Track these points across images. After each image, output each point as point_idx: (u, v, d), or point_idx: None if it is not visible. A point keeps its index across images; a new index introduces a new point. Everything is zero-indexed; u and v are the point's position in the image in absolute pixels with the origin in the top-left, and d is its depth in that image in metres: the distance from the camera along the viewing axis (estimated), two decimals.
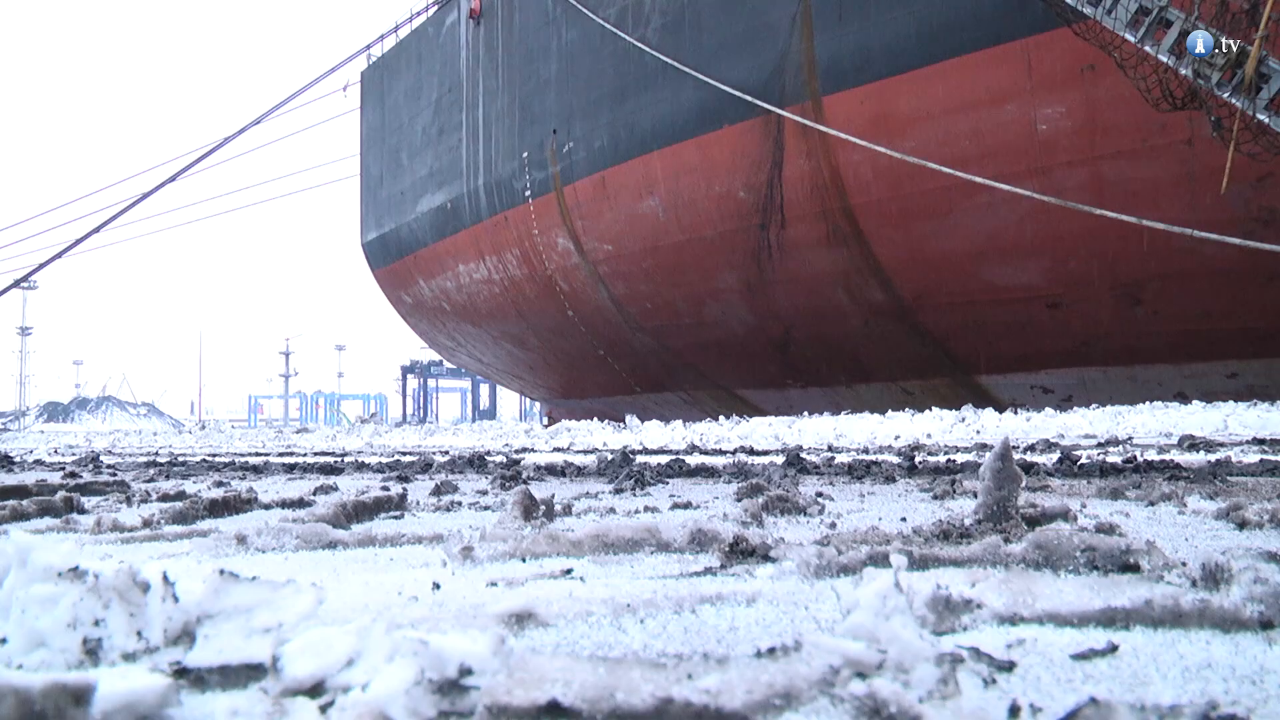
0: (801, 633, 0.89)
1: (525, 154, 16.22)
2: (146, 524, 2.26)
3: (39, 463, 5.96)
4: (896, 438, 6.24)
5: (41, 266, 20.08)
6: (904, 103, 10.34)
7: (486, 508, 2.67)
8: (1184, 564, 1.35)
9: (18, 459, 6.32)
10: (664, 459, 4.60)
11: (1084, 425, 6.32)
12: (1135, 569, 1.35)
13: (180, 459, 5.87)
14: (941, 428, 6.51)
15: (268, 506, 2.69)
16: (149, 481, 3.97)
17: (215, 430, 10.63)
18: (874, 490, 2.95)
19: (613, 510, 2.48)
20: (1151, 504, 2.36)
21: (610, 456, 4.72)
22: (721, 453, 5.41)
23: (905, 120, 10.34)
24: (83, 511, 2.62)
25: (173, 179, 23.03)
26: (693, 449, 5.84)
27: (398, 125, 20.67)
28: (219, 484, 3.60)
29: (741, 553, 1.61)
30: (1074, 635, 1.07)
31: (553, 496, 2.44)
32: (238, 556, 1.79)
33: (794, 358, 13.48)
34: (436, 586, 1.43)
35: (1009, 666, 0.93)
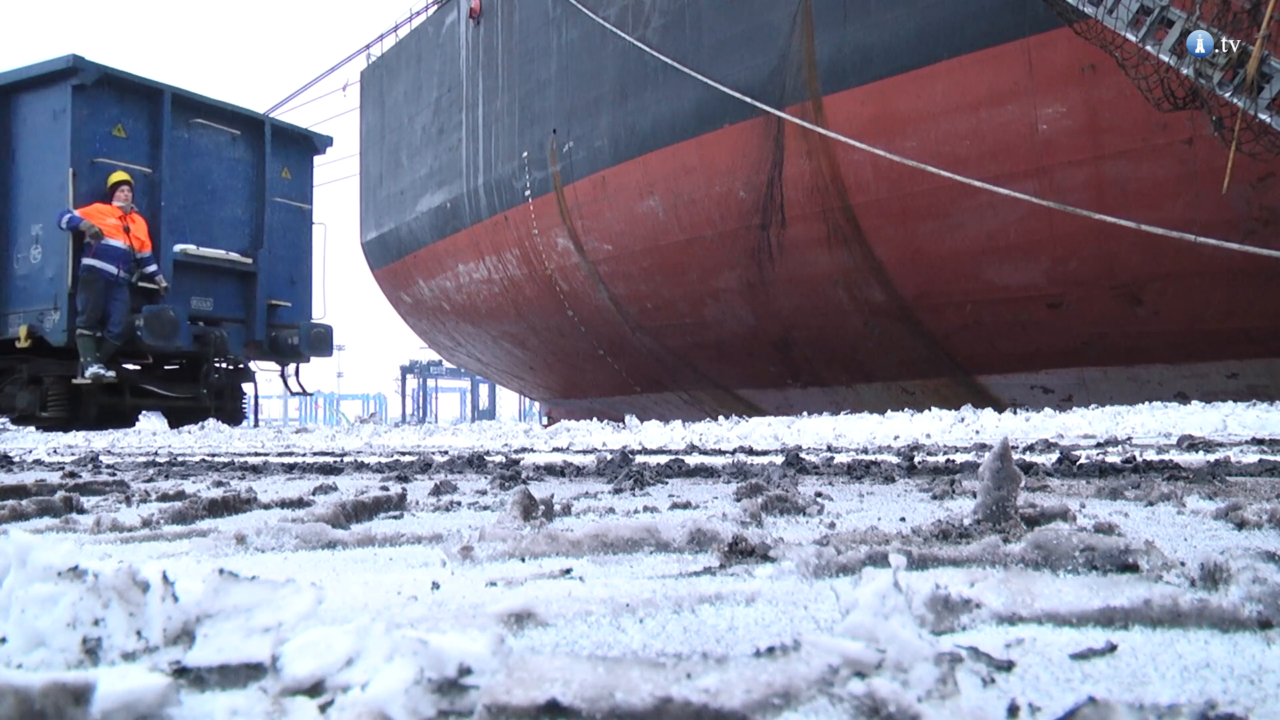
0: (800, 632, 0.89)
1: (525, 154, 16.23)
2: (146, 524, 2.26)
3: (38, 462, 5.96)
4: (896, 438, 6.24)
5: None
6: (905, 102, 10.35)
7: (486, 508, 2.67)
8: (1183, 564, 1.35)
9: (17, 459, 6.32)
10: (663, 459, 4.60)
11: (1083, 425, 6.31)
12: (1134, 569, 1.35)
13: (179, 459, 5.87)
14: (941, 428, 6.51)
15: (267, 506, 2.69)
16: (148, 481, 3.97)
17: (214, 430, 10.66)
18: (873, 490, 2.95)
19: (612, 510, 2.48)
20: (1150, 504, 2.36)
21: (609, 456, 4.72)
22: (721, 453, 5.41)
23: (906, 120, 10.35)
24: (82, 511, 2.62)
25: None
26: (692, 449, 5.83)
27: (397, 125, 20.68)
28: (218, 484, 3.60)
29: (740, 552, 1.61)
30: (1073, 635, 1.07)
31: (552, 496, 2.44)
32: (237, 556, 1.79)
33: (794, 358, 13.49)
34: (436, 586, 1.42)
35: (1008, 666, 0.93)
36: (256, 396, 14.57)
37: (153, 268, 11.94)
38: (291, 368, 14.21)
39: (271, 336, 13.52)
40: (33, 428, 12.48)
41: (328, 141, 14.99)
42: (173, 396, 13.00)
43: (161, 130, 12.34)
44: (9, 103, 12.13)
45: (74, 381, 11.72)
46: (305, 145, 14.42)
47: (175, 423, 13.59)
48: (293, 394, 14.79)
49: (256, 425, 13.38)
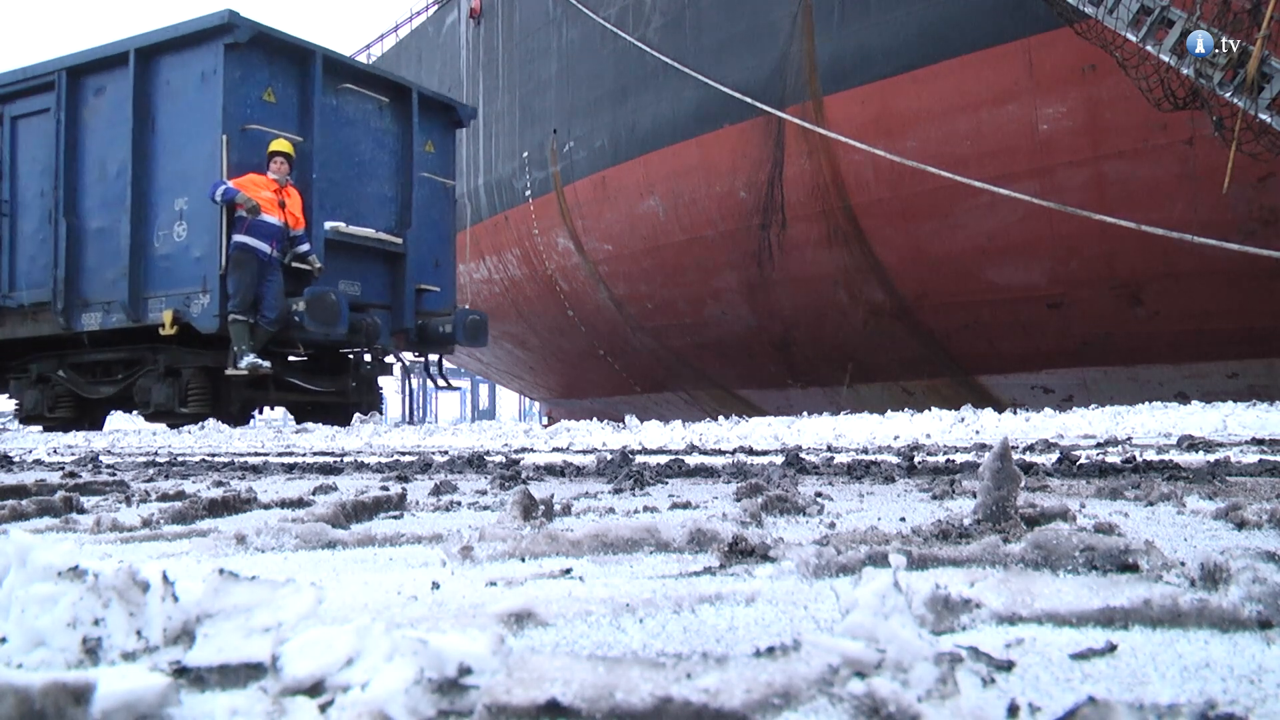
0: (800, 632, 0.89)
1: (525, 154, 16.23)
2: (146, 523, 2.26)
3: (38, 462, 5.96)
4: (896, 438, 6.24)
5: None
6: (905, 102, 10.35)
7: (486, 507, 2.67)
8: (1183, 564, 1.35)
9: (17, 459, 6.32)
10: (663, 459, 4.60)
11: (1083, 425, 6.31)
12: (1134, 569, 1.35)
13: (180, 459, 5.87)
14: (941, 428, 6.51)
15: (267, 506, 2.69)
16: (148, 481, 3.97)
17: (215, 430, 10.42)
18: (873, 490, 2.95)
19: (612, 510, 2.48)
20: (1150, 504, 2.36)
21: (609, 456, 4.72)
22: (721, 453, 5.41)
23: (906, 120, 10.36)
24: (82, 511, 2.62)
25: None
26: (692, 449, 5.83)
27: None
28: (218, 484, 3.60)
29: (740, 552, 1.61)
30: (1073, 635, 1.07)
31: (552, 496, 2.44)
32: (237, 556, 1.79)
33: (794, 358, 13.49)
34: (436, 586, 1.42)
35: (1008, 666, 0.93)
36: (410, 391, 13.23)
37: (305, 247, 10.53)
38: (434, 358, 13.02)
39: (419, 324, 12.17)
40: (164, 424, 11.21)
41: (471, 113, 13.55)
42: (319, 390, 11.69)
43: (312, 96, 11.03)
44: (149, 66, 10.82)
45: (227, 372, 10.41)
46: (449, 116, 13.08)
47: (303, 418, 12.21)
48: (439, 388, 13.68)
49: (423, 423, 12.14)
